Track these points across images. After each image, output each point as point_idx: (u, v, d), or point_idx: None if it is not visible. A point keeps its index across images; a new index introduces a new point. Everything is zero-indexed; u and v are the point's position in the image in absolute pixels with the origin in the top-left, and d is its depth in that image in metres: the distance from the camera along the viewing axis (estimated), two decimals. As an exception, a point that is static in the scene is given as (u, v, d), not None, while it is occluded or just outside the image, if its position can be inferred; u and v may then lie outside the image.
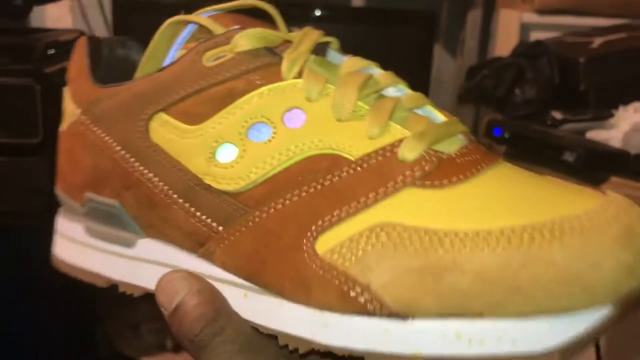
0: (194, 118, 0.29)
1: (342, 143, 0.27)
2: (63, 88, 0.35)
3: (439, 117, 0.29)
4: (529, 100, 0.88)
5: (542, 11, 1.17)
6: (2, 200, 0.63)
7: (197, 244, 0.30)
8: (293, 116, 0.28)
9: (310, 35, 0.30)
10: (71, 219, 0.35)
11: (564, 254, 0.23)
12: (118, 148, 0.31)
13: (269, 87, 0.29)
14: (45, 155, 0.63)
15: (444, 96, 1.29)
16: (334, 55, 0.32)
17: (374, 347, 0.25)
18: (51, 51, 0.71)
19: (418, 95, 0.30)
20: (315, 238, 0.26)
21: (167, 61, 0.32)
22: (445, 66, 1.31)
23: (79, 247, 0.34)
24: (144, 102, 0.30)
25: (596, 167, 0.71)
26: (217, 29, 0.31)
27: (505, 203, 0.25)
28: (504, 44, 1.16)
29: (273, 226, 0.27)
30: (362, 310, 0.25)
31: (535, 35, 1.13)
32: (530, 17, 1.18)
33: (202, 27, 0.32)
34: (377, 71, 0.30)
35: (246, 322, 0.28)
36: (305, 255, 0.26)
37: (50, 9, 1.17)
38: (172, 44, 0.32)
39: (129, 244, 0.32)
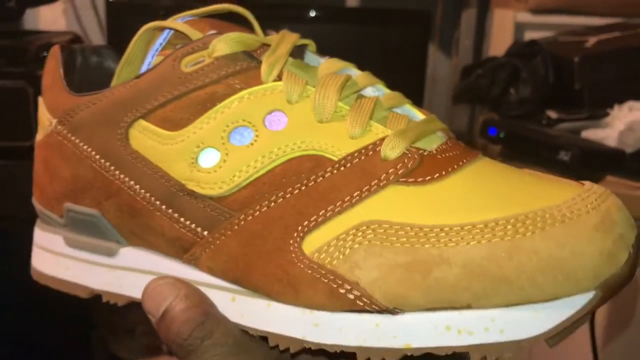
0: (175, 124, 0.29)
1: (325, 144, 0.28)
2: (38, 98, 0.34)
3: (418, 115, 0.30)
4: (523, 100, 0.89)
5: (536, 11, 1.18)
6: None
7: (181, 250, 0.30)
8: (274, 119, 0.28)
9: (288, 38, 0.31)
10: (49, 230, 0.34)
11: (546, 244, 0.24)
12: (97, 157, 0.31)
13: (249, 90, 0.29)
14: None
15: (439, 96, 1.29)
16: (311, 57, 0.32)
17: (366, 342, 0.25)
18: (44, 54, 0.69)
19: (396, 94, 0.30)
20: (302, 238, 0.27)
21: (144, 67, 0.32)
22: (440, 66, 1.31)
23: (58, 258, 0.34)
24: (122, 109, 0.30)
25: (591, 166, 0.72)
26: (194, 34, 0.31)
27: (488, 197, 0.26)
28: (499, 43, 1.18)
29: (258, 229, 0.28)
30: (352, 307, 0.25)
31: (529, 35, 1.14)
32: (525, 17, 1.20)
33: (178, 33, 0.32)
34: (354, 72, 0.31)
35: (235, 324, 0.28)
36: (293, 255, 0.27)
37: (43, 11, 1.15)
38: (148, 50, 0.32)
39: (111, 253, 0.32)
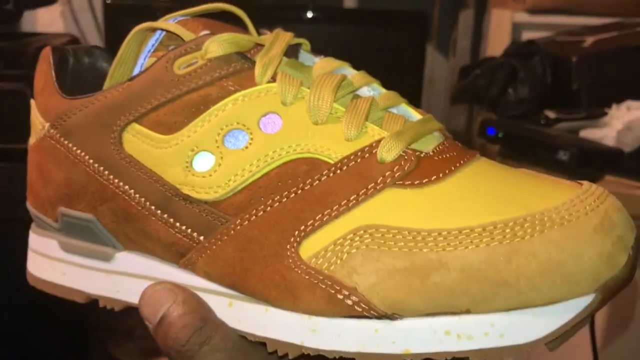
0: (168, 127, 0.29)
1: (320, 146, 0.27)
2: (30, 101, 0.34)
3: (415, 115, 0.29)
4: (522, 100, 0.89)
5: (533, 11, 1.18)
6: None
7: (177, 255, 0.29)
8: (269, 121, 0.28)
9: (282, 37, 0.30)
10: (44, 235, 0.34)
11: (545, 247, 0.24)
12: (91, 161, 0.31)
13: (243, 92, 0.28)
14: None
15: (437, 96, 1.29)
16: (306, 56, 0.31)
17: (365, 348, 0.25)
18: (42, 55, 0.69)
19: (392, 93, 0.30)
20: (299, 243, 0.26)
21: (136, 69, 0.32)
22: (438, 66, 1.31)
23: (54, 263, 0.33)
24: (115, 113, 0.30)
25: (590, 165, 0.72)
26: (187, 34, 0.30)
27: (486, 199, 0.25)
28: (496, 43, 1.17)
29: (255, 234, 0.27)
30: (351, 313, 0.25)
31: (527, 35, 1.14)
32: (522, 17, 1.19)
33: (170, 34, 0.31)
34: (349, 71, 0.30)
35: (233, 330, 0.28)
36: (290, 261, 0.26)
37: (41, 13, 1.14)
38: (141, 51, 0.32)
39: (107, 258, 0.32)
